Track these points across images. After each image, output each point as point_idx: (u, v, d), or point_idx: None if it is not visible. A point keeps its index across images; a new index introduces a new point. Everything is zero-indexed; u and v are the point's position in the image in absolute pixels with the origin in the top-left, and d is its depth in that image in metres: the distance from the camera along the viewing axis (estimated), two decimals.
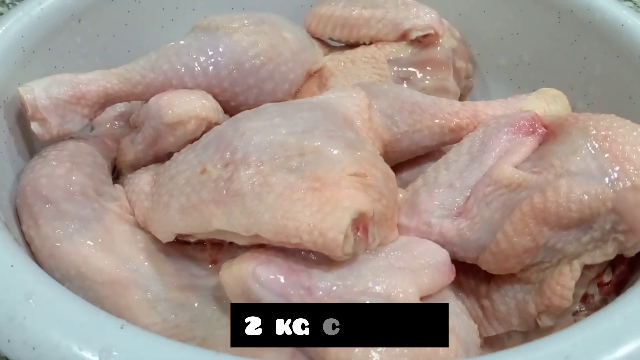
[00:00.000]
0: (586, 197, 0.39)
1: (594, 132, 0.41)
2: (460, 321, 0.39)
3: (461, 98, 0.60)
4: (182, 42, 0.50)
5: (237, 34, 0.51)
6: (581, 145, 0.41)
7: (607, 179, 0.39)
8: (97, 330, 0.31)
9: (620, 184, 0.39)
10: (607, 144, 0.40)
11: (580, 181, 0.39)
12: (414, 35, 0.56)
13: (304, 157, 0.39)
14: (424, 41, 0.57)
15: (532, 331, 0.43)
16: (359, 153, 0.41)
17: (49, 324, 0.31)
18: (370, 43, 0.59)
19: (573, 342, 0.31)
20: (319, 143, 0.40)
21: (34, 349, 0.31)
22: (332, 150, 0.40)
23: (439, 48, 0.57)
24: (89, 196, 0.44)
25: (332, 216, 0.36)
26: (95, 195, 0.44)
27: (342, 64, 0.57)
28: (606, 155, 0.40)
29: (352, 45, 0.60)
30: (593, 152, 0.40)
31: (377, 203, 0.39)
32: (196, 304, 0.41)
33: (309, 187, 0.38)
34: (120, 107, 0.56)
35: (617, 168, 0.39)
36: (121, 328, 0.31)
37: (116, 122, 0.55)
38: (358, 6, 0.59)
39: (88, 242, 0.41)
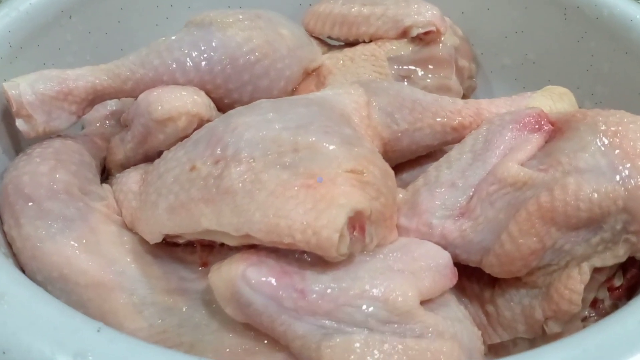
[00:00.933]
0: (596, 195, 0.37)
1: (603, 127, 0.40)
2: (463, 327, 0.37)
3: (464, 99, 0.59)
4: (173, 37, 0.49)
5: (231, 28, 0.49)
6: (590, 142, 0.39)
7: (617, 177, 0.37)
8: (71, 334, 0.29)
9: (632, 181, 0.37)
10: (618, 140, 0.39)
11: (590, 179, 0.37)
12: (415, 32, 0.55)
13: (298, 153, 0.38)
14: (426, 38, 0.56)
15: (538, 338, 0.41)
16: (356, 149, 0.39)
17: (21, 327, 0.30)
18: (370, 41, 0.57)
19: (584, 348, 0.29)
20: (313, 138, 0.39)
21: (4, 353, 0.29)
22: (327, 145, 0.38)
23: (441, 46, 0.56)
24: (74, 195, 0.42)
25: (327, 214, 0.34)
26: (80, 194, 0.42)
27: (341, 61, 0.56)
28: (617, 151, 0.38)
29: (351, 44, 0.59)
30: (603, 148, 0.39)
31: (374, 201, 0.37)
32: (184, 309, 0.39)
33: (303, 184, 0.36)
34: (111, 106, 0.55)
35: (628, 165, 0.38)
36: (97, 331, 0.29)
37: (107, 121, 0.54)
38: (357, 3, 0.58)
39: (72, 242, 0.40)
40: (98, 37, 0.58)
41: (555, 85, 0.53)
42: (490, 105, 0.49)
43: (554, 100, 0.50)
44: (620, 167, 0.38)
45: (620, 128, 0.39)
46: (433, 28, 0.55)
